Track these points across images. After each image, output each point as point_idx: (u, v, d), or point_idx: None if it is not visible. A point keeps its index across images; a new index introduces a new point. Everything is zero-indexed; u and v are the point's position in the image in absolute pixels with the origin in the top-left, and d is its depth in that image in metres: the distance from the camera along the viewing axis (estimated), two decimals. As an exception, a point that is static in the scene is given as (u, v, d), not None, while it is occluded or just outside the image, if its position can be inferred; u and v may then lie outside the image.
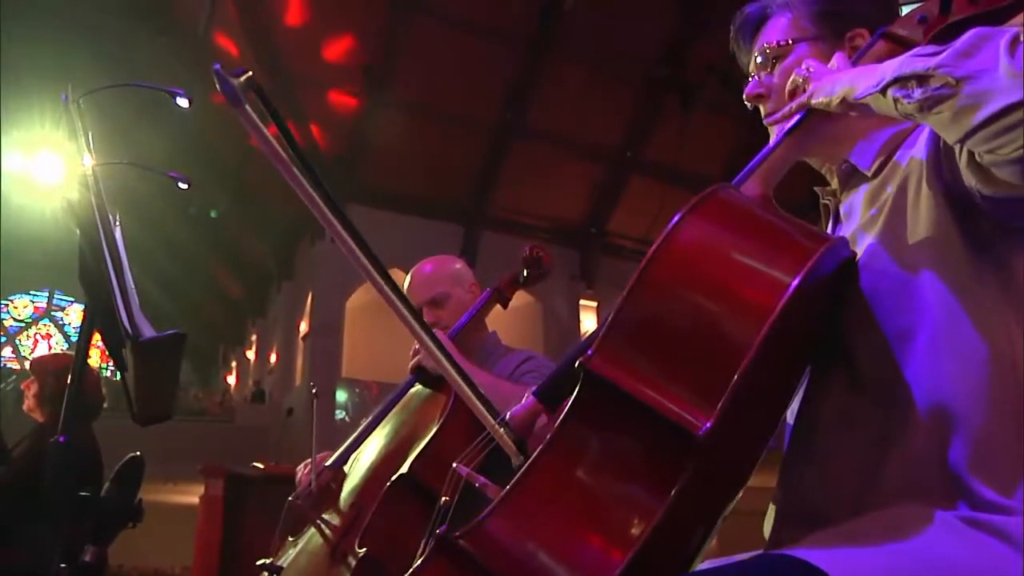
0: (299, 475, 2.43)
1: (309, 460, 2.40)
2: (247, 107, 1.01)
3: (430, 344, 1.21)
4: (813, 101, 1.18)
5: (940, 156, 1.11)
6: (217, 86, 1.02)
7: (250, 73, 1.04)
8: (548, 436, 1.00)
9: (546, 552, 0.93)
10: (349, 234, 1.13)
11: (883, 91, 1.04)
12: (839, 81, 1.14)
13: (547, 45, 14.64)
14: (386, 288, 1.17)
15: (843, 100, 1.12)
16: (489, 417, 1.22)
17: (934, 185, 1.11)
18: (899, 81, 1.01)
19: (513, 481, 0.98)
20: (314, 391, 2.40)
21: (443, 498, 1.34)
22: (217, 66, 1.03)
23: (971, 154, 1.01)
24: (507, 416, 1.29)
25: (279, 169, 1.07)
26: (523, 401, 1.31)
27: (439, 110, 15.22)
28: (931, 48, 1.00)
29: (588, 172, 16.84)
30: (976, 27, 0.98)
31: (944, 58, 0.96)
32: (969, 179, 1.04)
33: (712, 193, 1.06)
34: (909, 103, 1.00)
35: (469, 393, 1.22)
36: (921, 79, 0.98)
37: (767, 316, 0.93)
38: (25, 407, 4.10)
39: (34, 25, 14.18)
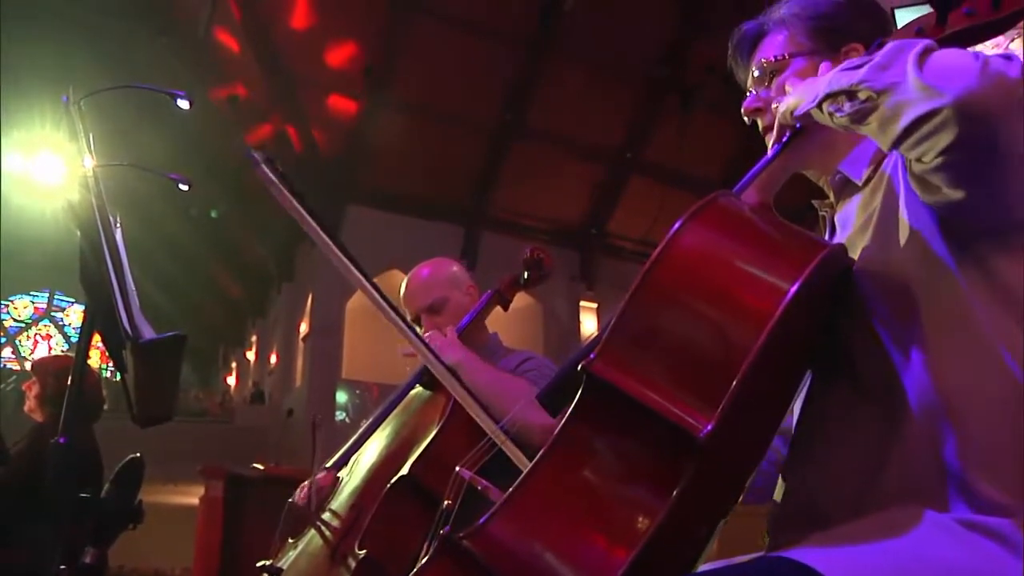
0: (296, 497, 2.42)
1: (307, 482, 2.39)
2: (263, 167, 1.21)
3: (441, 368, 1.22)
4: (778, 118, 1.22)
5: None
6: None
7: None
8: (551, 438, 1.01)
9: (549, 553, 0.94)
10: (355, 268, 1.29)
11: (819, 106, 1.09)
12: (792, 93, 1.18)
13: (547, 45, 14.66)
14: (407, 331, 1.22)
15: (791, 113, 1.16)
16: (491, 423, 1.23)
17: (912, 192, 1.13)
18: (830, 97, 1.06)
19: (516, 483, 0.99)
20: (319, 419, 2.40)
21: (446, 501, 1.34)
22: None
23: (909, 163, 1.05)
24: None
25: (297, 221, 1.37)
26: None
27: (439, 111, 15.23)
28: (857, 60, 1.05)
29: (588, 173, 16.86)
30: (930, 40, 1.03)
31: (866, 72, 1.01)
32: (914, 187, 1.08)
33: (712, 200, 1.07)
34: (841, 116, 1.05)
35: (475, 406, 1.23)
36: (849, 94, 1.03)
37: (767, 321, 0.94)
38: (26, 408, 4.11)
39: (34, 25, 14.19)
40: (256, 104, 15.38)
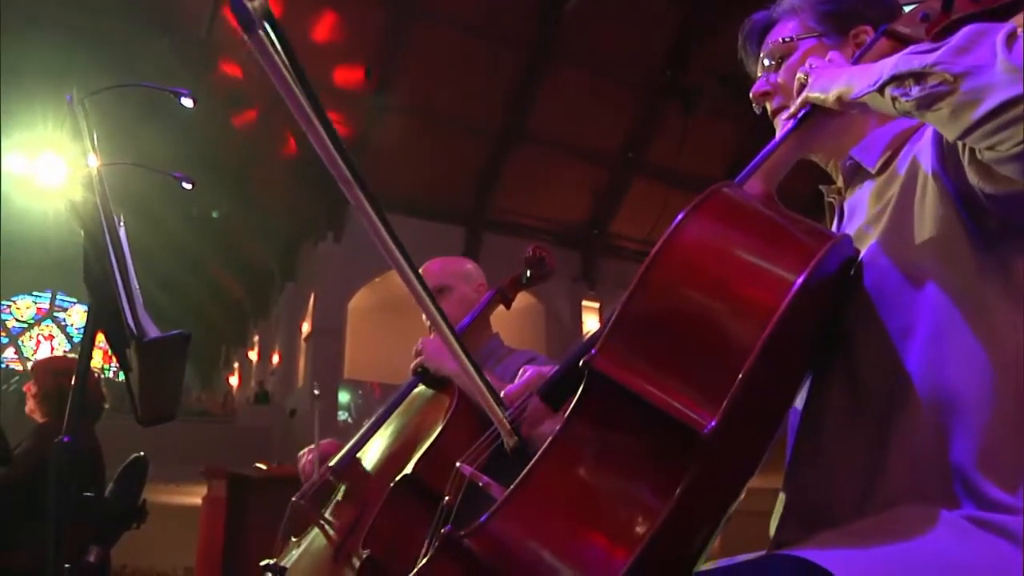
0: (301, 461, 2.42)
1: (311, 447, 2.39)
2: (259, 32, 0.98)
3: (445, 329, 1.20)
4: (810, 96, 1.19)
5: (945, 154, 1.11)
6: (233, 13, 1.00)
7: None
8: (552, 435, 1.00)
9: (550, 551, 0.93)
10: (358, 184, 1.12)
11: (880, 90, 1.04)
12: (837, 79, 1.14)
13: (548, 47, 14.65)
14: (403, 263, 1.16)
15: (839, 98, 1.12)
16: (497, 410, 1.22)
17: (939, 183, 1.11)
18: (896, 79, 1.01)
19: (518, 480, 0.98)
20: (316, 392, 2.41)
21: (446, 498, 1.33)
22: None
23: (972, 151, 1.01)
24: (501, 393, 1.29)
25: (288, 102, 1.04)
26: (517, 379, 1.31)
27: (441, 113, 15.24)
28: (927, 45, 1.00)
29: (590, 174, 16.85)
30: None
31: (941, 55, 0.96)
32: (972, 177, 1.04)
33: (715, 191, 1.06)
34: (907, 101, 0.99)
35: (479, 383, 1.21)
36: (918, 76, 0.98)
37: (771, 314, 0.93)
38: (27, 410, 4.13)
39: (36, 26, 14.21)
40: (257, 104, 15.38)
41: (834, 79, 1.15)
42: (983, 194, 1.04)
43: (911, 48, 1.03)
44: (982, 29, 0.95)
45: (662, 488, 0.92)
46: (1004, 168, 0.95)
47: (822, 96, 1.16)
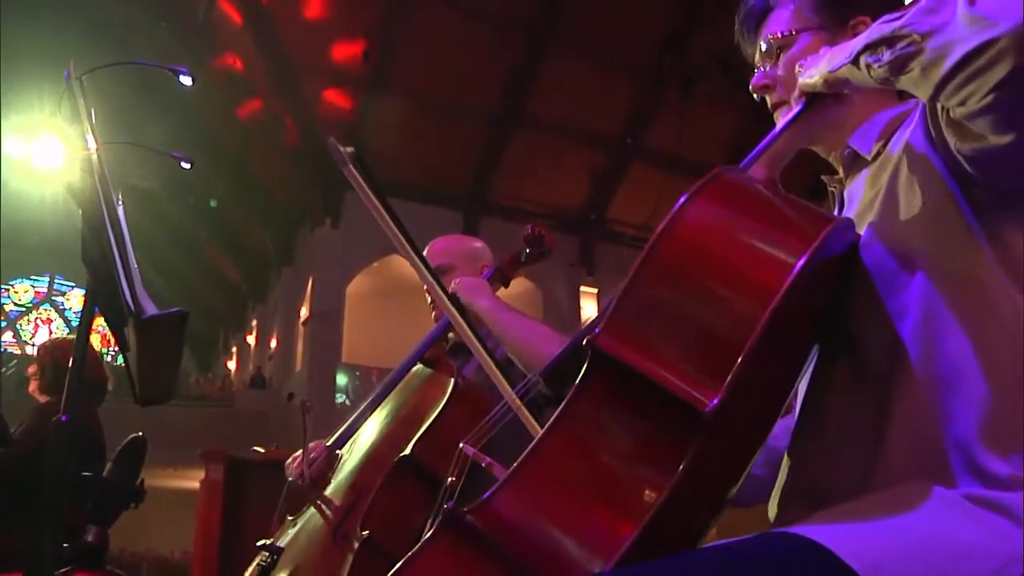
0: (289, 469, 2.41)
1: (299, 453, 2.38)
2: (351, 167, 1.30)
3: (445, 300, 1.23)
4: (802, 85, 1.21)
5: (931, 129, 1.11)
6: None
7: (352, 149, 1.36)
8: (556, 413, 1.00)
9: (554, 528, 0.94)
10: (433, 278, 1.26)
11: (855, 61, 1.06)
12: (820, 61, 1.17)
13: (548, 32, 14.62)
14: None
15: (825, 79, 1.15)
16: (507, 387, 1.23)
17: (928, 161, 1.12)
18: (869, 48, 1.03)
19: (521, 457, 0.99)
20: (308, 403, 2.40)
21: (450, 478, 1.34)
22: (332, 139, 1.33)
23: (947, 112, 1.02)
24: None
25: (375, 217, 1.36)
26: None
27: (439, 97, 15.21)
28: (898, 13, 1.01)
29: (588, 159, 16.85)
30: None
31: (909, 17, 0.98)
32: (950, 138, 1.05)
33: (718, 174, 1.06)
34: (880, 66, 1.02)
35: (493, 368, 1.22)
36: (889, 41, 1.00)
37: (773, 295, 0.93)
38: (30, 389, 4.14)
39: (33, 9, 14.15)
40: (255, 88, 15.35)
41: (818, 62, 1.18)
42: (962, 156, 1.05)
43: (883, 17, 1.04)
44: None
45: (665, 466, 0.92)
46: (976, 124, 0.96)
47: (811, 82, 1.19)
